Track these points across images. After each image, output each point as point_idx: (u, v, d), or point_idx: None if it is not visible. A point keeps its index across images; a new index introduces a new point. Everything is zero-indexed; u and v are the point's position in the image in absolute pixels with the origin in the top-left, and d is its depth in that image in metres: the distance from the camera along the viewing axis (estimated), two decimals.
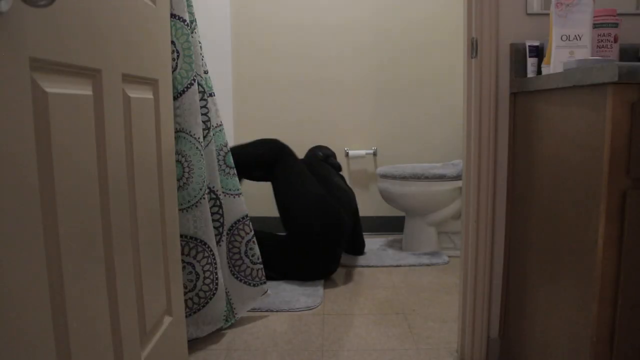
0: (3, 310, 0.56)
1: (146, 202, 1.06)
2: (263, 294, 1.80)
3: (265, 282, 1.81)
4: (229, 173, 1.74)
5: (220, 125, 1.72)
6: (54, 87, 0.68)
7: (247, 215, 1.76)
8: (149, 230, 1.07)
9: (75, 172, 0.74)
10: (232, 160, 1.75)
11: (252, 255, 1.77)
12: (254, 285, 1.78)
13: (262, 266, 1.80)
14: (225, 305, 1.69)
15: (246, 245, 1.76)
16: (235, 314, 1.75)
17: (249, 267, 1.77)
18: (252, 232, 1.77)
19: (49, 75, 0.67)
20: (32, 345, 0.62)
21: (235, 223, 1.74)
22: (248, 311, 1.84)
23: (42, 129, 0.65)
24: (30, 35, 0.62)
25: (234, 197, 1.74)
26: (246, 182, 2.95)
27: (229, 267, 1.74)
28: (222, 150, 1.71)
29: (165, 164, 1.19)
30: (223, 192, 1.72)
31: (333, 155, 2.63)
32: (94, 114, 0.81)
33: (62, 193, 0.69)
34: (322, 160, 2.51)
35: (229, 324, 1.73)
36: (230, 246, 1.74)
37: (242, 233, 1.75)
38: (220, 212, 1.67)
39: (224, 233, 1.70)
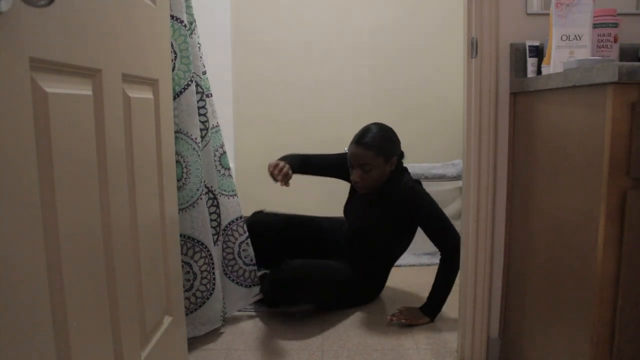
0: (3, 310, 0.56)
1: (146, 201, 1.06)
2: (255, 296, 1.81)
3: (258, 284, 1.81)
4: (224, 174, 1.74)
5: (217, 126, 1.72)
6: (54, 87, 0.68)
7: (241, 217, 1.77)
8: (149, 230, 1.07)
9: (75, 172, 0.74)
10: (227, 161, 1.75)
11: (246, 257, 1.78)
12: (246, 286, 1.78)
13: (255, 268, 1.80)
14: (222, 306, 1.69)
15: (239, 246, 1.76)
16: (226, 313, 1.74)
17: (241, 267, 1.77)
18: (247, 234, 1.77)
19: (49, 75, 0.67)
20: (32, 345, 0.62)
21: (229, 224, 1.75)
22: (249, 311, 1.83)
23: (42, 129, 0.65)
24: (30, 35, 0.62)
25: (229, 197, 1.75)
26: (242, 182, 2.95)
27: (223, 267, 1.74)
28: (217, 151, 1.72)
29: (165, 163, 1.19)
30: (219, 193, 1.72)
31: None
32: (94, 114, 0.81)
33: (62, 193, 0.69)
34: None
35: (222, 323, 1.73)
36: (225, 246, 1.75)
37: (236, 234, 1.75)
38: (218, 212, 1.68)
39: (221, 233, 1.71)
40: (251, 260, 1.79)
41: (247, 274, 1.78)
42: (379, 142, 1.75)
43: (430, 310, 1.76)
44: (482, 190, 1.35)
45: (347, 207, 2.00)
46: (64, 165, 0.70)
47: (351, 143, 1.79)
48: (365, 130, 1.79)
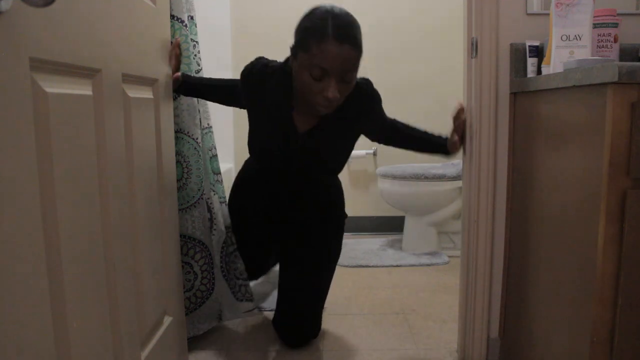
0: (3, 310, 0.56)
1: (146, 202, 1.06)
2: (247, 312, 1.72)
3: (251, 300, 1.71)
4: (216, 180, 1.67)
5: (209, 127, 1.66)
6: (54, 87, 0.68)
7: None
8: (149, 230, 1.07)
9: (75, 172, 0.74)
10: (218, 166, 1.67)
11: (235, 270, 1.69)
12: (239, 300, 1.69)
13: (247, 282, 1.70)
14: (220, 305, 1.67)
15: (228, 257, 1.68)
16: (223, 316, 1.69)
17: (232, 279, 1.69)
18: (234, 245, 1.68)
19: (49, 75, 0.67)
20: (32, 345, 0.62)
21: (224, 229, 1.67)
22: (249, 310, 1.80)
23: (42, 129, 0.65)
24: (30, 35, 0.62)
25: (220, 204, 1.67)
26: None
27: (221, 268, 1.71)
28: (207, 154, 1.63)
29: (165, 164, 1.19)
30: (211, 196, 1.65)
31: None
32: (94, 114, 0.81)
33: (62, 193, 0.69)
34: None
35: (222, 322, 1.71)
36: (223, 252, 1.69)
37: (229, 241, 1.68)
38: (212, 212, 1.63)
39: (215, 234, 1.66)
40: (241, 274, 1.69)
41: (236, 288, 1.69)
42: (360, 34, 1.15)
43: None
44: (482, 190, 1.35)
45: (268, 136, 1.43)
46: (64, 165, 0.70)
47: (322, 38, 1.13)
48: (337, 16, 1.14)
